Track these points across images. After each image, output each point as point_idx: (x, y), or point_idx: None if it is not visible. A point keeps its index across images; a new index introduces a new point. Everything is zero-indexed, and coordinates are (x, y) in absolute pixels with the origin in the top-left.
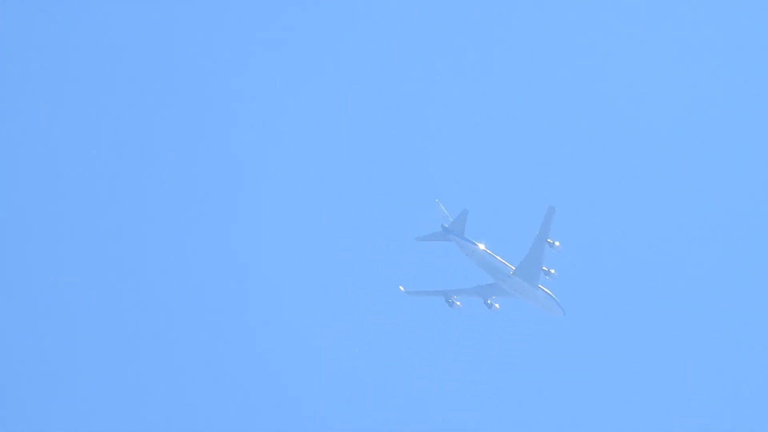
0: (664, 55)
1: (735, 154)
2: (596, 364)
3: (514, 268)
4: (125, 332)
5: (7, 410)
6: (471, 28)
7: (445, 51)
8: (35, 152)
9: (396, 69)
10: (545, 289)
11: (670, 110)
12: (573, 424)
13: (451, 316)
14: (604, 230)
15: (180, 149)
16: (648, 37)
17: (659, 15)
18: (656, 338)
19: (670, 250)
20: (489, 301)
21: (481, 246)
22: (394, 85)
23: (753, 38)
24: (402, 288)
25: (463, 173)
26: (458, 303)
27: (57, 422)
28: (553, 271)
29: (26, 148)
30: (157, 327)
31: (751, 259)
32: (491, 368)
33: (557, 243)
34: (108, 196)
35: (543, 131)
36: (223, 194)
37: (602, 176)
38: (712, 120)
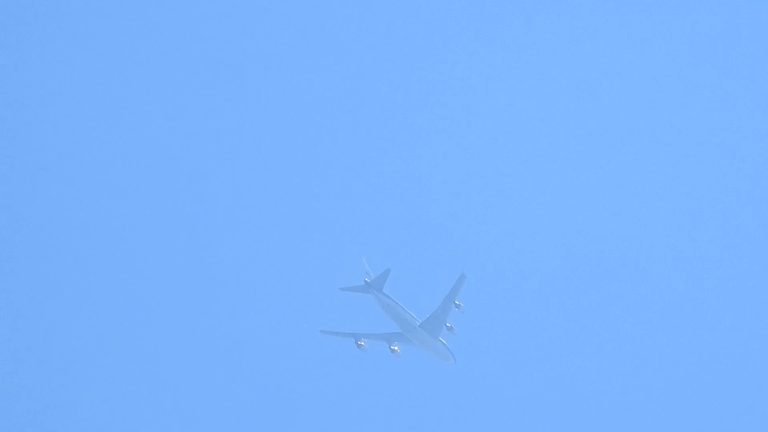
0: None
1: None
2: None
3: (420, 321)
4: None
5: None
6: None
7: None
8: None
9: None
10: (443, 341)
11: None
12: None
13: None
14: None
15: (178, 148)
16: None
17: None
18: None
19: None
20: (392, 347)
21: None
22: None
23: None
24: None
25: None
26: (362, 343)
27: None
28: (453, 326)
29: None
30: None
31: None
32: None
33: (461, 304)
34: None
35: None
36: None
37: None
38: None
